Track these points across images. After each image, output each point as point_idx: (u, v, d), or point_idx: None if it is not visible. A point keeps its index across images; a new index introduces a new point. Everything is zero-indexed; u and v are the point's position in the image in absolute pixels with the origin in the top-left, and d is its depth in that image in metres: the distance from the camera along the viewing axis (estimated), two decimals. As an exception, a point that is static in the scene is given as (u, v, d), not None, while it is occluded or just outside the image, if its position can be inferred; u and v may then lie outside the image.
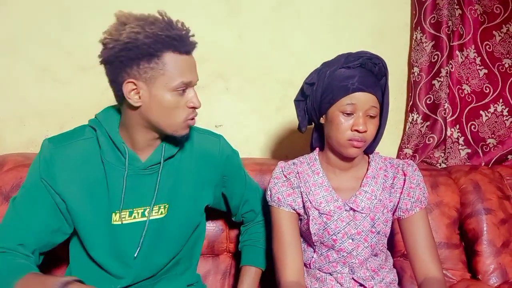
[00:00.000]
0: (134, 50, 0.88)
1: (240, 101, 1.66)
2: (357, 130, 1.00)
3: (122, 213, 1.01)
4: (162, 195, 1.04)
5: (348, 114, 1.01)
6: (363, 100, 1.01)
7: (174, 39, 0.89)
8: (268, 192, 1.13)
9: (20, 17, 1.52)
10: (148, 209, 1.03)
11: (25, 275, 0.89)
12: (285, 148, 1.69)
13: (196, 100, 0.97)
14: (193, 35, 0.95)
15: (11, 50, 1.53)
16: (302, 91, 1.13)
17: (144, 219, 1.03)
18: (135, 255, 1.02)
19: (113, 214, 1.01)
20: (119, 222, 1.01)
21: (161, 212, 1.05)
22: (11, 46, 1.53)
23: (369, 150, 1.12)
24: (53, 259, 1.25)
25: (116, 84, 0.93)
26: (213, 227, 1.36)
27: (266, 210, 1.24)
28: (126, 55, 0.88)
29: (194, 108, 0.97)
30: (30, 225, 0.97)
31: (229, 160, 1.16)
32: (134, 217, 1.02)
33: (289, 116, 1.67)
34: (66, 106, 1.57)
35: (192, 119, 0.98)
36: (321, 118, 1.09)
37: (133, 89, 0.92)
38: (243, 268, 1.19)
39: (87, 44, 1.55)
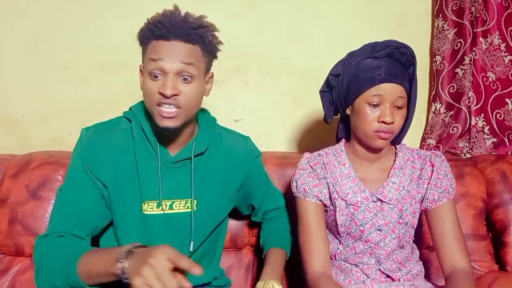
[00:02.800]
0: (139, 38, 0.98)
1: (259, 95, 1.65)
2: (384, 122, 0.99)
3: (150, 204, 1.03)
4: (190, 190, 1.06)
5: (374, 105, 1.00)
6: (390, 91, 0.99)
7: (155, 25, 0.93)
8: (294, 183, 1.12)
9: (41, 17, 1.55)
10: (176, 202, 1.05)
11: (85, 253, 0.89)
12: (306, 141, 1.68)
13: (166, 87, 0.92)
14: (183, 20, 0.93)
15: (33, 50, 1.56)
16: (327, 83, 1.12)
17: (171, 211, 1.05)
18: (191, 250, 1.06)
19: (143, 204, 1.03)
20: (149, 212, 1.04)
21: (188, 206, 1.06)
22: (34, 46, 1.56)
23: (396, 141, 1.11)
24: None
25: None
26: (235, 222, 1.36)
27: (289, 207, 1.24)
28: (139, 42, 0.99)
29: (162, 94, 0.93)
30: (82, 209, 0.98)
31: (256, 161, 1.19)
32: (162, 209, 1.04)
33: (309, 108, 1.65)
34: (88, 104, 1.59)
35: (163, 106, 0.94)
36: (347, 109, 1.08)
37: (140, 74, 1.01)
38: (268, 251, 1.16)
39: (106, 42, 1.57)
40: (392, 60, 1.01)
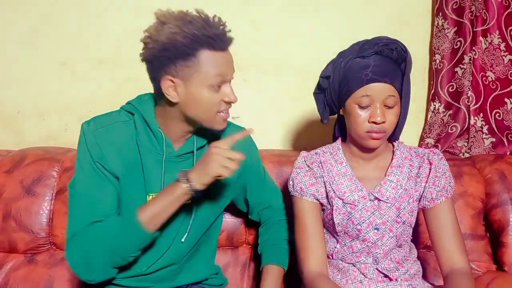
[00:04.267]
0: (172, 51, 0.90)
1: (257, 92, 1.64)
2: (374, 122, 0.98)
3: (154, 196, 1.03)
4: None
5: (364, 106, 0.99)
6: (379, 90, 0.97)
7: (211, 37, 0.91)
8: (290, 182, 1.11)
9: (38, 11, 1.54)
10: None
11: (139, 208, 0.96)
12: (304, 139, 1.67)
13: (232, 95, 0.99)
14: (229, 31, 0.96)
15: (30, 44, 1.55)
16: (319, 85, 1.11)
17: None
18: (183, 240, 1.06)
19: (148, 196, 1.03)
20: None
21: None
22: (30, 41, 1.54)
23: (393, 137, 1.10)
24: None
25: (155, 81, 0.97)
26: (232, 219, 1.35)
27: (288, 208, 1.22)
28: (164, 55, 0.91)
29: (230, 103, 1.00)
30: (101, 203, 0.99)
31: (251, 153, 1.16)
32: None
33: (307, 106, 1.64)
34: (85, 99, 1.58)
35: (226, 112, 1.01)
36: (341, 110, 1.07)
37: (171, 86, 0.95)
38: (264, 268, 1.14)
39: (103, 37, 1.56)
40: (382, 58, 1.00)
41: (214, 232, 1.20)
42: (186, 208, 1.05)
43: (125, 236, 0.95)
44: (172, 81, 0.94)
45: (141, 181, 1.02)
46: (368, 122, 0.99)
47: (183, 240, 1.06)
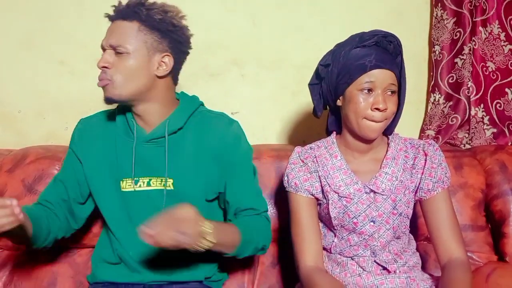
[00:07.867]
0: None
1: (255, 88, 1.64)
2: (377, 109, 0.98)
3: (128, 181, 1.08)
4: (165, 168, 1.07)
5: (367, 92, 0.99)
6: (382, 77, 0.98)
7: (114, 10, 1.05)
8: (285, 178, 1.11)
9: (35, 11, 1.54)
10: (153, 180, 1.08)
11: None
12: (302, 134, 1.67)
13: (100, 59, 1.02)
14: (124, 3, 1.04)
15: (28, 45, 1.55)
16: (317, 74, 1.11)
17: (149, 188, 1.08)
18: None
19: (121, 181, 1.08)
20: (128, 189, 1.08)
21: (164, 184, 1.07)
22: (29, 41, 1.55)
23: (388, 131, 1.09)
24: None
25: None
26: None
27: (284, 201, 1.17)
28: None
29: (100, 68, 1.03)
30: (60, 182, 1.13)
31: (236, 147, 1.09)
32: (140, 186, 1.08)
33: (306, 101, 1.64)
34: (84, 98, 1.58)
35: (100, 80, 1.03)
36: (338, 100, 1.07)
37: None
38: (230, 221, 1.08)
39: (101, 35, 1.55)
40: (381, 49, 1.01)
41: None
42: (162, 197, 1.06)
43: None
44: None
45: (114, 167, 1.08)
46: (371, 109, 0.99)
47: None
